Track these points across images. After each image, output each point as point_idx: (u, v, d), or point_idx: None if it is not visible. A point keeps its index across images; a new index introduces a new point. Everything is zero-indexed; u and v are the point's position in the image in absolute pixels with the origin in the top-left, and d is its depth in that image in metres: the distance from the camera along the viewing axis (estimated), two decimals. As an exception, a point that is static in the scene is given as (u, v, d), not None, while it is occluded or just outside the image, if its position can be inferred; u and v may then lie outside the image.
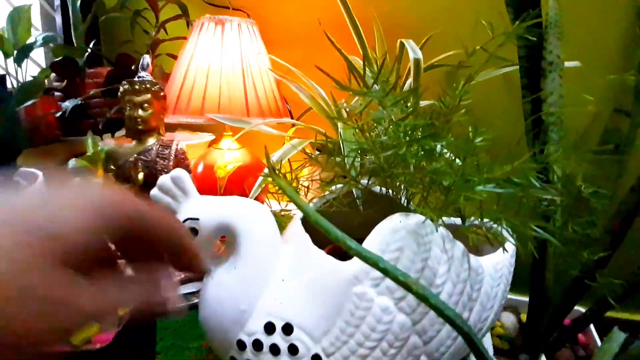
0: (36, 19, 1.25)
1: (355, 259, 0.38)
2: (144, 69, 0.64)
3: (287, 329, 0.38)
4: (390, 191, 0.44)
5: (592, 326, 0.68)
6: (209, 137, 0.93)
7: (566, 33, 0.59)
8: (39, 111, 1.07)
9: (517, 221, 0.35)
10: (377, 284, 0.37)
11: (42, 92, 0.93)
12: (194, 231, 0.41)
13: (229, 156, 0.78)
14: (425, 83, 0.69)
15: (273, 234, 0.43)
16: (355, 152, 0.38)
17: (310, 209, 0.28)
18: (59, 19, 1.24)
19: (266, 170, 0.44)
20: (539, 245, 0.57)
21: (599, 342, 0.66)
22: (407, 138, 0.36)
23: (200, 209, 0.41)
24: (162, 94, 0.64)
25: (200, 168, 0.79)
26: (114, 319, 0.48)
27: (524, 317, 0.72)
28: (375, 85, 0.36)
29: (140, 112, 0.63)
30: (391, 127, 0.34)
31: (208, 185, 0.77)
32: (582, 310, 0.66)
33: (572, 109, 0.61)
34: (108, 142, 0.91)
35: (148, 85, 0.63)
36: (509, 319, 0.71)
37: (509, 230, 0.40)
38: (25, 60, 1.07)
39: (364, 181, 0.46)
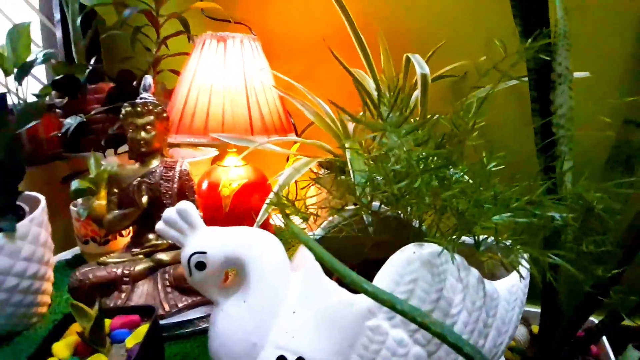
0: (37, 34, 1.25)
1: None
2: (145, 90, 0.63)
3: (300, 364, 0.37)
4: (402, 215, 0.43)
5: (604, 337, 0.67)
6: (213, 152, 0.92)
7: (575, 43, 0.58)
8: (40, 129, 1.06)
9: (534, 251, 0.34)
10: (391, 317, 0.36)
11: (43, 112, 0.92)
12: (202, 265, 0.40)
13: (233, 174, 0.77)
14: (430, 94, 0.68)
15: (282, 263, 0.42)
16: (367, 181, 0.37)
17: (327, 254, 0.27)
18: (59, 35, 1.24)
19: (272, 196, 0.43)
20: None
21: (611, 353, 0.65)
22: (421, 166, 0.35)
23: (207, 242, 0.40)
24: (164, 114, 0.63)
25: (204, 186, 0.78)
26: (123, 351, 0.47)
27: (535, 328, 0.70)
28: (389, 114, 0.35)
29: (143, 134, 0.62)
30: (403, 155, 0.33)
31: (213, 203, 0.76)
32: (595, 320, 0.65)
33: (583, 120, 0.60)
34: (111, 160, 0.90)
35: (150, 107, 0.62)
36: (520, 330, 0.69)
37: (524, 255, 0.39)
38: (26, 77, 1.06)
39: (375, 203, 0.45)
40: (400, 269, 0.36)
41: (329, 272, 0.50)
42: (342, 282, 0.47)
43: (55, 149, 1.08)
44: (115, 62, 1.11)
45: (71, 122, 0.99)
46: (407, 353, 0.37)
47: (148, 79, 0.63)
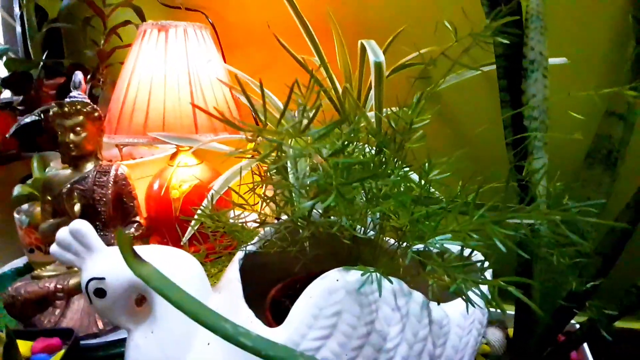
0: (-1, 28, 1.19)
1: (287, 323, 0.32)
2: (75, 88, 0.57)
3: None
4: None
5: (585, 344, 0.62)
6: (170, 149, 0.86)
7: (550, 26, 0.52)
8: (-5, 128, 1.01)
9: (484, 282, 0.28)
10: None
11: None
12: (101, 292, 0.35)
13: (185, 173, 0.71)
14: (395, 86, 0.62)
15: (196, 288, 0.36)
16: (284, 192, 0.32)
17: (192, 302, 0.22)
18: (18, 29, 1.17)
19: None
20: (523, 261, 0.51)
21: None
22: (342, 179, 0.29)
23: (106, 267, 0.35)
24: (96, 114, 0.57)
25: (156, 186, 0.72)
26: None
27: (511, 331, 0.65)
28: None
29: (71, 136, 0.56)
30: (305, 165, 0.27)
31: (164, 206, 0.70)
32: (580, 321, 0.60)
33: (558, 112, 0.54)
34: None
35: (79, 107, 0.56)
36: (494, 335, 0.64)
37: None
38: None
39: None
40: (320, 300, 0.30)
41: (266, 290, 0.44)
42: (277, 306, 0.41)
43: (12, 149, 1.03)
44: (73, 55, 1.04)
45: (25, 120, 0.93)
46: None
47: (78, 76, 0.57)
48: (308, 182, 0.29)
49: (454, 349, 0.37)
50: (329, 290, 0.31)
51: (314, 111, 0.30)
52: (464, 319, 0.38)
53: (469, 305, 0.39)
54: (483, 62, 0.64)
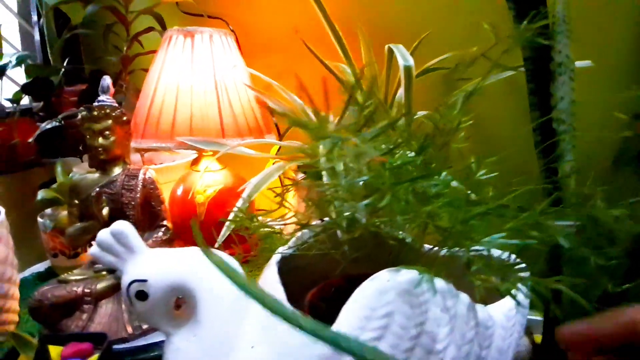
0: (16, 37, 1.20)
1: (338, 325, 0.32)
2: (104, 92, 0.57)
3: (257, 412, 0.32)
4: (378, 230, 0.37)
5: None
6: (191, 155, 0.86)
7: (575, 29, 0.52)
8: (15, 135, 1.01)
9: (531, 279, 0.28)
10: (362, 358, 0.30)
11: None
12: (143, 294, 0.35)
13: (208, 179, 0.71)
14: (420, 90, 0.62)
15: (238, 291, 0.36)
16: (330, 195, 0.32)
17: (266, 296, 0.21)
18: (37, 36, 1.18)
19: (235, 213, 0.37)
20: (552, 261, 0.50)
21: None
22: (392, 179, 0.29)
23: (148, 269, 0.35)
24: (124, 118, 0.58)
25: (179, 191, 0.73)
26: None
27: (538, 338, 0.64)
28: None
29: (100, 140, 0.56)
30: (357, 165, 0.27)
31: (188, 211, 0.70)
32: None
33: (586, 115, 0.54)
34: (85, 166, 0.84)
35: (108, 111, 0.56)
36: (521, 340, 0.63)
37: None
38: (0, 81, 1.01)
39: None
40: (372, 301, 0.30)
41: (309, 282, 0.44)
42: (315, 307, 0.41)
43: (32, 155, 1.03)
44: (93, 62, 1.05)
45: (46, 126, 0.94)
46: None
47: (106, 80, 0.58)
48: (358, 183, 0.29)
49: (497, 350, 0.37)
50: (380, 291, 0.30)
51: (360, 112, 0.30)
52: (507, 320, 0.38)
53: (512, 304, 0.39)
54: (507, 65, 0.64)
